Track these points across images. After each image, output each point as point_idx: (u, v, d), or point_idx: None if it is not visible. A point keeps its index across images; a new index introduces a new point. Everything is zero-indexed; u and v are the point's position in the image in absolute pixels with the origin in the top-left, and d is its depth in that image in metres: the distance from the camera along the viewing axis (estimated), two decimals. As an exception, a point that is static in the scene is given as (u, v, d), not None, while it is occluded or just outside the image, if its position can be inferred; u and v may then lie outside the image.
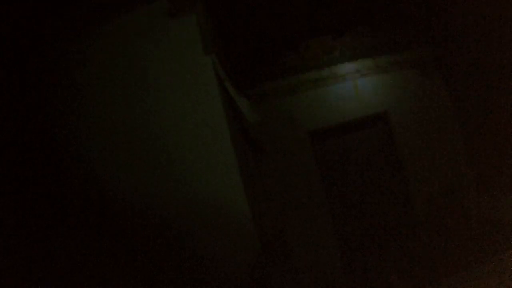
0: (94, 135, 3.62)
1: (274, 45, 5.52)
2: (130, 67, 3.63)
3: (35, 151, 3.66)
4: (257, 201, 4.03)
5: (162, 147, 3.54)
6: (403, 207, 5.77)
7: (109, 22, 3.69)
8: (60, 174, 3.63)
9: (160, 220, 3.48)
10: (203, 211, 3.45)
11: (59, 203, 3.59)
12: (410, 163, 5.73)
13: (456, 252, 5.26)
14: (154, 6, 3.69)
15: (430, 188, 5.67)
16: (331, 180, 5.74)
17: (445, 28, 5.51)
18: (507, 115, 4.88)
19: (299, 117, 5.69)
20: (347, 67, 5.80)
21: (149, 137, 3.56)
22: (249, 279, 3.27)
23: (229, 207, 3.42)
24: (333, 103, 5.78)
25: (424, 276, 5.07)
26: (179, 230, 3.47)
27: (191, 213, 3.46)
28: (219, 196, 3.43)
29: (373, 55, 5.83)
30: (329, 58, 5.85)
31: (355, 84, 5.81)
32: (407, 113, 5.79)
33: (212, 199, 3.43)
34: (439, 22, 5.56)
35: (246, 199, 3.41)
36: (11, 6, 3.48)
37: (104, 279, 3.53)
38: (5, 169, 3.64)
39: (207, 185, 3.47)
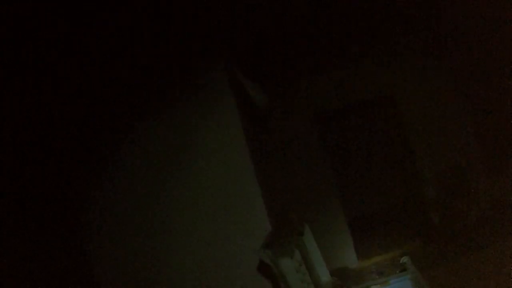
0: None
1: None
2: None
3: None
4: (266, 182, 4.07)
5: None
6: (411, 188, 5.77)
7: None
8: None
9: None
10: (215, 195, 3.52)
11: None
12: (418, 143, 5.71)
13: (465, 233, 5.27)
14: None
15: (439, 168, 5.66)
16: (339, 161, 5.76)
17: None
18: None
19: (305, 98, 5.68)
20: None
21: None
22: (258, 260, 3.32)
23: (239, 188, 3.47)
24: (340, 83, 5.75)
25: (434, 257, 5.08)
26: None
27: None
28: (231, 177, 3.49)
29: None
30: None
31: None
32: (415, 92, 5.75)
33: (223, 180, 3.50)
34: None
35: (256, 180, 3.45)
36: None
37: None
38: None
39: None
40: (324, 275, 3.95)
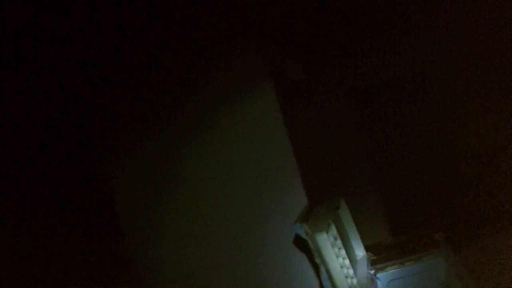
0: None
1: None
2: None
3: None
4: (303, 158, 4.09)
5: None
6: (446, 165, 5.70)
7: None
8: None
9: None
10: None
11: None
12: (453, 120, 5.61)
13: (499, 212, 5.19)
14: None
15: (477, 145, 5.56)
16: (375, 137, 5.71)
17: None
18: None
19: (341, 74, 5.63)
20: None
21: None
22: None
23: (277, 165, 3.49)
24: (374, 60, 5.66)
25: (468, 235, 5.04)
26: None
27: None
28: (269, 155, 3.51)
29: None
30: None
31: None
32: (451, 69, 5.62)
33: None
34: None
35: (293, 156, 3.47)
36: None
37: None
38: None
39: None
40: (359, 250, 3.98)
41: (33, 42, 3.53)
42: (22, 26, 3.28)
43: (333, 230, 3.38)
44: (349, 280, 3.35)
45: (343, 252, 3.40)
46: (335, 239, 3.37)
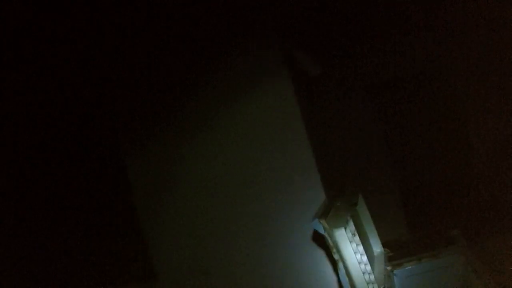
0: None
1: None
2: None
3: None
4: (321, 153, 4.07)
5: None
6: (463, 161, 5.66)
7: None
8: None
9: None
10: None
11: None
12: (469, 115, 5.56)
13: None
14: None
15: (494, 138, 5.51)
16: (392, 132, 5.69)
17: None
18: None
19: (359, 69, 5.61)
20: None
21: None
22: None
23: (295, 160, 3.48)
24: (394, 54, 5.64)
25: (485, 232, 5.00)
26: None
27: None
28: (286, 149, 3.50)
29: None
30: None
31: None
32: (467, 64, 5.56)
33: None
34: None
35: (311, 151, 3.45)
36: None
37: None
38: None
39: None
40: (377, 246, 3.96)
41: (33, 42, 3.56)
42: (22, 26, 3.30)
43: (351, 226, 3.36)
44: (366, 276, 3.33)
45: (361, 248, 3.38)
46: (353, 235, 3.35)
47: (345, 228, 3.23)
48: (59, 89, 3.82)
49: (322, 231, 3.13)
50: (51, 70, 3.74)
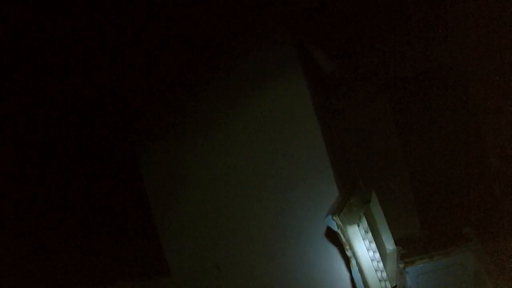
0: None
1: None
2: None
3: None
4: (334, 149, 4.08)
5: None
6: (476, 159, 5.63)
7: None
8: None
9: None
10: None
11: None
12: (483, 113, 5.52)
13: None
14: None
15: (507, 136, 5.47)
16: (406, 129, 5.67)
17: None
18: None
19: (373, 65, 5.59)
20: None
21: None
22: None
23: (308, 156, 3.49)
24: (408, 52, 5.60)
25: (498, 230, 4.98)
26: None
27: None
28: (300, 145, 3.51)
29: None
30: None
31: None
32: (482, 62, 5.51)
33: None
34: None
35: (325, 147, 3.46)
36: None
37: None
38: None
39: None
40: (389, 244, 3.96)
41: (33, 42, 3.59)
42: (22, 26, 3.33)
43: (364, 223, 3.37)
44: (379, 274, 3.34)
45: (373, 245, 3.38)
46: (366, 232, 3.35)
47: (358, 225, 3.24)
48: (70, 90, 3.87)
49: (335, 228, 3.14)
50: (51, 70, 3.78)
